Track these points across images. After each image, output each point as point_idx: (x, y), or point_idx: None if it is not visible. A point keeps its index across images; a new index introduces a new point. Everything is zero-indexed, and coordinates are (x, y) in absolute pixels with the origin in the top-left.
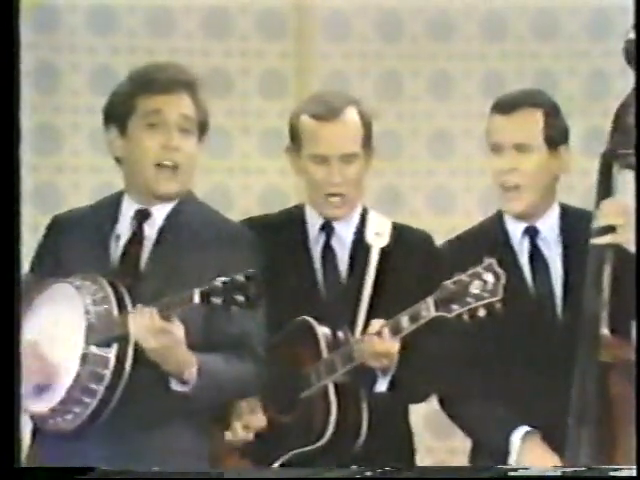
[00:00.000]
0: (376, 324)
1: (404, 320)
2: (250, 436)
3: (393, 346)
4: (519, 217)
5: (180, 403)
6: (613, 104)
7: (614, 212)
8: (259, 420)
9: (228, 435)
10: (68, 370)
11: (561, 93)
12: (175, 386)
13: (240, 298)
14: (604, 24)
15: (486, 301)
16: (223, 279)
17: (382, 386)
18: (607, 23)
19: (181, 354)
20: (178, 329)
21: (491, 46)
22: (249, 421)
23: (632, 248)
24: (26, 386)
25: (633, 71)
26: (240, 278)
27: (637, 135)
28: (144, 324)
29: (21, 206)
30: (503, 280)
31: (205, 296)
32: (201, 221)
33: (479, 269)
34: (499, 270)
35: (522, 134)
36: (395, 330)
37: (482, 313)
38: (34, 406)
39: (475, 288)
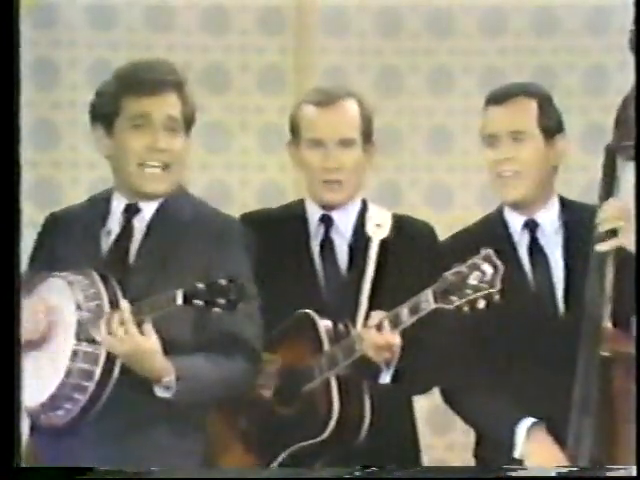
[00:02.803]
0: (376, 316)
1: (404, 312)
2: None
3: (393, 338)
4: (518, 207)
5: (167, 404)
6: (612, 99)
7: (616, 215)
8: None
9: None
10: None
11: (560, 89)
12: (157, 392)
13: (221, 301)
14: (603, 20)
15: (484, 292)
16: (206, 282)
17: (386, 378)
18: (606, 19)
19: (154, 362)
20: (148, 337)
21: (490, 42)
22: None
23: (633, 249)
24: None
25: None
26: (222, 282)
27: (637, 132)
28: (114, 330)
29: (20, 202)
30: (501, 271)
31: (188, 298)
32: (191, 214)
33: (477, 260)
34: (497, 261)
35: (518, 121)
36: (395, 322)
37: (482, 304)
38: (29, 400)
39: (473, 279)
